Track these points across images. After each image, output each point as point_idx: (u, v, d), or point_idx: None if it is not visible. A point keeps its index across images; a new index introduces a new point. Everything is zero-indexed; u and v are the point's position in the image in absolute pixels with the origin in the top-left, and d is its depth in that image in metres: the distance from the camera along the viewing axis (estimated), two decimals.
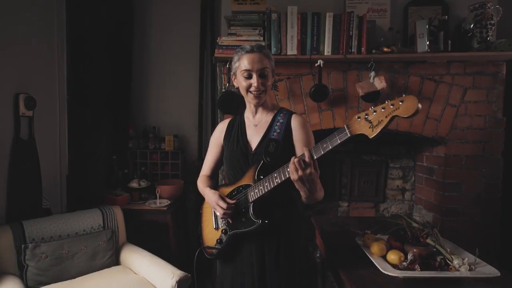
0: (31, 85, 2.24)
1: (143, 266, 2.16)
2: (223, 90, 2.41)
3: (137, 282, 2.05)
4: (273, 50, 2.32)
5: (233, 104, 2.31)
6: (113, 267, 2.23)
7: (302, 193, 1.26)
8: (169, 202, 2.74)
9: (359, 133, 1.10)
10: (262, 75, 1.39)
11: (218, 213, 1.45)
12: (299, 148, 1.41)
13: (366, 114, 1.09)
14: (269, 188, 1.29)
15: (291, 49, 2.32)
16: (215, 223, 1.52)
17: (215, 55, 2.35)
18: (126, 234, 2.47)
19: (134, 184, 2.87)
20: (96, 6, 2.63)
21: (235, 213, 1.40)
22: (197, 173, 1.73)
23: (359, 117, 1.10)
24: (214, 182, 1.65)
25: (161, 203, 2.70)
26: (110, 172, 2.88)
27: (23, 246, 1.95)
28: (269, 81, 1.43)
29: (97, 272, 2.14)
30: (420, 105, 1.01)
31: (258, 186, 1.33)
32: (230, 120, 1.61)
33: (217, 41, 2.37)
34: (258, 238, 1.39)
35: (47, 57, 2.43)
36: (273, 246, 1.40)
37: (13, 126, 2.11)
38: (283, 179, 1.25)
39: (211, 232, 1.53)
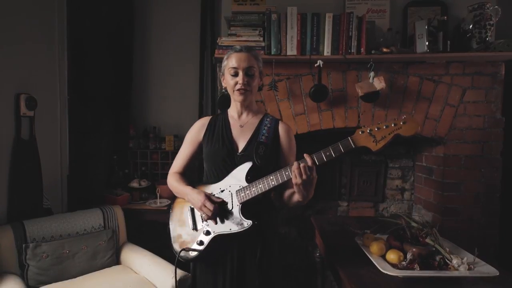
0: (32, 85, 2.25)
1: (143, 266, 2.17)
2: (223, 90, 2.40)
3: (138, 281, 2.06)
4: (273, 50, 2.33)
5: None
6: (113, 267, 2.24)
7: (299, 196, 1.28)
8: (169, 201, 2.74)
9: (362, 145, 1.23)
10: (247, 74, 1.42)
11: (203, 214, 1.39)
12: (286, 155, 1.47)
13: (370, 130, 1.22)
14: (263, 190, 1.31)
15: (291, 50, 2.33)
16: (193, 224, 1.46)
17: (215, 55, 2.35)
18: (126, 233, 2.48)
19: (134, 184, 2.88)
20: (96, 6, 2.64)
21: (219, 214, 1.38)
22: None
23: (362, 131, 1.23)
24: (187, 180, 1.58)
25: (161, 203, 2.71)
26: (110, 172, 2.89)
27: (24, 245, 1.96)
28: (254, 81, 1.45)
29: (97, 272, 2.15)
30: (419, 128, 1.13)
31: (250, 187, 1.34)
32: (212, 118, 1.59)
33: (217, 41, 2.37)
34: (242, 238, 1.38)
35: (48, 57, 2.44)
36: (257, 247, 1.42)
37: (14, 126, 2.12)
38: (280, 182, 1.28)
39: (187, 233, 1.46)
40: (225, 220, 1.38)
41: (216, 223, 1.39)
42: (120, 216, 2.44)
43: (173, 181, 1.58)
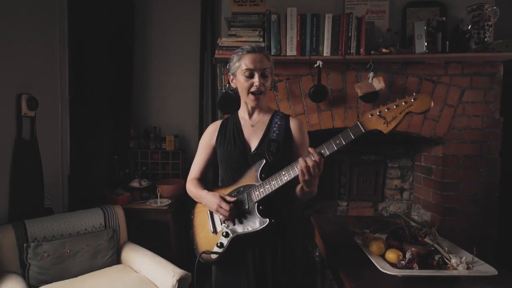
0: (33, 85, 2.25)
1: (144, 265, 2.17)
2: (223, 90, 2.43)
3: (138, 280, 2.06)
4: (273, 51, 2.34)
5: (233, 105, 2.32)
6: (114, 266, 2.25)
7: (308, 188, 1.28)
8: (169, 201, 2.75)
9: (373, 128, 1.16)
10: (263, 75, 1.40)
11: (220, 216, 1.40)
12: (300, 149, 1.45)
13: (379, 111, 1.15)
14: (276, 187, 1.29)
15: (291, 50, 2.34)
16: (213, 227, 1.46)
17: (215, 56, 2.36)
18: (127, 233, 2.49)
19: (135, 184, 2.89)
20: (97, 7, 2.65)
21: (237, 215, 1.37)
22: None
23: (371, 114, 1.17)
24: (204, 185, 1.57)
25: (161, 203, 2.72)
26: (111, 172, 2.90)
27: (25, 245, 1.97)
28: (268, 82, 1.44)
29: (98, 271, 2.15)
30: (432, 103, 1.08)
31: (263, 185, 1.33)
32: (223, 121, 1.59)
33: (218, 42, 2.39)
34: (261, 238, 1.36)
35: (49, 58, 2.45)
36: (278, 245, 1.42)
37: (16, 126, 2.13)
38: (292, 176, 1.26)
39: (208, 236, 1.47)
40: (243, 220, 1.37)
41: (234, 224, 1.38)
42: (121, 215, 2.45)
43: (191, 187, 1.57)
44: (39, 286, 1.94)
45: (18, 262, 1.96)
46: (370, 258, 1.49)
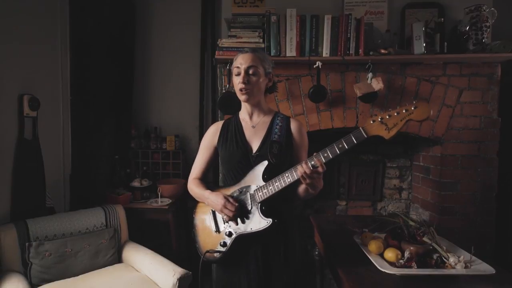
0: (35, 86, 2.27)
1: (145, 264, 2.19)
2: (223, 91, 2.44)
3: (139, 279, 2.08)
4: (273, 52, 2.36)
5: (233, 105, 2.33)
6: (115, 265, 2.26)
7: (310, 189, 1.33)
8: (170, 201, 2.77)
9: (375, 134, 1.23)
10: (248, 73, 1.43)
11: (224, 216, 1.43)
12: (300, 151, 1.49)
13: (381, 118, 1.22)
14: (280, 188, 1.32)
15: (290, 51, 2.35)
16: (215, 226, 1.48)
17: (216, 56, 2.37)
18: (128, 232, 2.51)
19: (136, 184, 2.90)
20: (98, 8, 2.66)
21: (240, 215, 1.40)
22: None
23: (373, 121, 1.23)
24: (206, 185, 1.60)
25: (162, 202, 2.74)
26: (112, 172, 2.91)
27: (27, 244, 1.99)
28: (256, 81, 1.43)
29: (99, 270, 2.17)
30: (432, 111, 1.12)
31: (267, 186, 1.35)
32: (224, 122, 1.61)
33: (218, 43, 2.40)
34: (263, 237, 1.39)
35: (51, 58, 2.47)
36: (280, 243, 1.44)
37: (18, 126, 2.14)
38: (295, 178, 1.29)
39: (210, 236, 1.49)
40: (246, 220, 1.40)
41: (237, 224, 1.41)
42: (122, 215, 2.47)
43: (193, 187, 1.59)
44: (41, 285, 1.95)
45: (20, 261, 1.98)
46: (369, 257, 1.51)
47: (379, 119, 1.21)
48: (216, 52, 2.38)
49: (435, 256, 1.47)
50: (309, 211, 2.91)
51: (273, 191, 1.34)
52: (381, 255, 1.53)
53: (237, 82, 1.45)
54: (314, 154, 1.27)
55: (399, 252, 1.48)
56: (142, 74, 3.23)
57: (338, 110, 2.47)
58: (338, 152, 1.24)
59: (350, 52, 2.33)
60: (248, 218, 1.40)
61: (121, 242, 2.42)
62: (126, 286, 1.99)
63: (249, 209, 1.39)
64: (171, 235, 2.71)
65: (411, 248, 1.46)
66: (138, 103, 3.24)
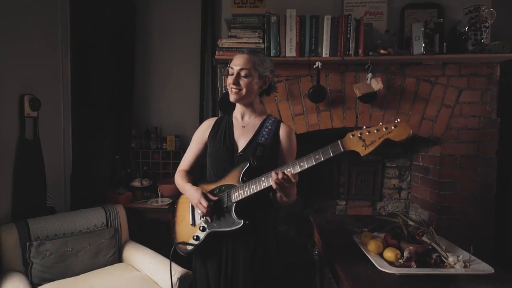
0: (35, 86, 2.28)
1: (145, 263, 2.20)
2: (223, 91, 2.45)
3: (140, 279, 2.09)
4: (273, 52, 2.36)
5: (233, 105, 2.34)
6: (116, 264, 2.27)
7: (285, 199, 1.34)
8: (170, 200, 2.77)
9: (352, 149, 1.22)
10: (239, 74, 1.44)
11: (199, 211, 1.45)
12: (286, 156, 1.49)
13: (360, 133, 1.20)
14: (255, 191, 1.33)
15: (290, 51, 2.36)
16: (192, 219, 1.52)
17: (216, 56, 2.38)
18: (128, 232, 2.52)
19: (136, 183, 2.91)
20: (99, 9, 2.67)
21: (216, 212, 1.42)
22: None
23: (352, 135, 1.22)
24: (192, 178, 1.62)
25: (162, 202, 2.75)
26: (113, 172, 2.92)
27: (28, 243, 1.99)
28: (247, 82, 1.43)
29: (100, 269, 2.18)
30: (411, 132, 1.12)
31: (243, 187, 1.36)
32: (218, 119, 1.64)
33: (218, 43, 2.40)
34: (236, 237, 1.43)
35: (52, 58, 2.47)
36: (249, 247, 1.45)
37: (18, 126, 2.15)
38: (270, 183, 1.30)
39: (187, 227, 1.53)
40: (220, 218, 1.42)
41: (211, 220, 1.44)
42: (122, 214, 2.48)
43: (178, 178, 1.61)
44: (42, 284, 1.96)
45: (21, 260, 1.98)
46: (369, 256, 1.51)
47: (358, 135, 1.20)
48: (216, 52, 2.39)
49: (434, 256, 1.47)
50: (309, 210, 2.91)
51: (248, 193, 1.35)
52: (381, 254, 1.53)
53: (229, 82, 1.47)
54: (291, 163, 1.29)
55: (398, 252, 1.48)
56: (142, 74, 3.24)
57: (337, 110, 2.47)
58: (314, 163, 1.24)
59: (350, 52, 2.34)
60: (223, 216, 1.42)
61: (122, 241, 2.43)
62: (127, 286, 2.00)
63: (225, 207, 1.41)
64: (171, 235, 2.71)
65: (411, 247, 1.46)
66: (139, 103, 3.24)
